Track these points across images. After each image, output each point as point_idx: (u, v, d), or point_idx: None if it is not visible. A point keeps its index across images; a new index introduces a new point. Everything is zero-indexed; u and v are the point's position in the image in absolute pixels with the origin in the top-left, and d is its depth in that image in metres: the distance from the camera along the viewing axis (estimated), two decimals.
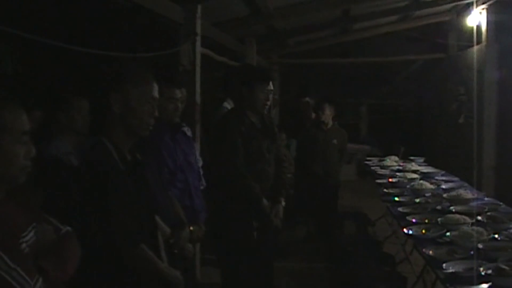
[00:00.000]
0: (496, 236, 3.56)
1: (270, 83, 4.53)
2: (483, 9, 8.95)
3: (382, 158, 7.91)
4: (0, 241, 1.75)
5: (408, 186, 5.48)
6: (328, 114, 7.41)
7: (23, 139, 1.91)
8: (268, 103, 4.53)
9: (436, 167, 7.13)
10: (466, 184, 5.76)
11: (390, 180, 6.06)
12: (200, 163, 4.40)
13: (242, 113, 4.40)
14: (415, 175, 6.19)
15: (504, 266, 2.95)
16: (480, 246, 3.32)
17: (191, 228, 3.44)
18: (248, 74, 4.58)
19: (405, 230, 3.98)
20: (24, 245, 1.85)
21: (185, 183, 3.76)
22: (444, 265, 3.09)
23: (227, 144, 4.27)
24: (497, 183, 8.82)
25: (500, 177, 8.93)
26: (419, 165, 7.07)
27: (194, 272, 5.30)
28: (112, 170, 2.45)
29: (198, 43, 5.71)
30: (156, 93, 2.63)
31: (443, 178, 6.13)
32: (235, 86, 4.51)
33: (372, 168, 7.31)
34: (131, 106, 2.54)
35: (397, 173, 6.46)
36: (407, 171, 6.51)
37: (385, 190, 5.55)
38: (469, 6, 9.39)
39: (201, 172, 4.33)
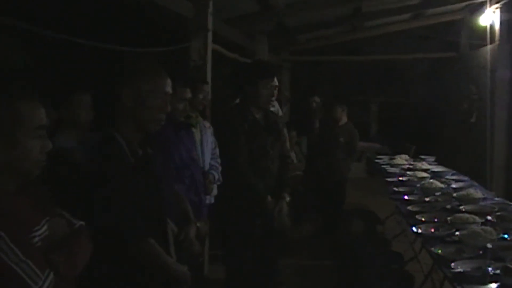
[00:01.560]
0: (505, 236, 3.54)
1: (275, 79, 4.51)
2: (496, 8, 8.90)
3: (392, 157, 7.87)
4: (12, 233, 1.76)
5: (418, 185, 5.44)
6: (339, 112, 7.41)
7: (39, 133, 1.92)
8: (273, 99, 4.52)
9: (446, 166, 7.09)
10: (476, 184, 5.73)
11: (399, 178, 6.04)
12: (219, 160, 4.42)
13: (246, 110, 4.40)
14: (425, 174, 6.15)
15: None
16: (488, 245, 3.30)
17: (198, 224, 3.45)
18: (252, 70, 4.58)
19: (413, 228, 3.96)
20: (36, 238, 1.86)
21: (191, 179, 3.78)
22: (452, 264, 3.08)
23: (230, 141, 4.28)
24: (507, 183, 8.77)
25: (510, 176, 8.89)
26: (430, 164, 7.04)
27: (202, 268, 5.31)
28: (123, 164, 2.46)
29: (210, 39, 5.73)
30: (169, 89, 2.63)
31: (453, 177, 6.09)
32: (240, 82, 4.51)
33: (382, 166, 7.27)
34: (143, 100, 2.54)
35: (407, 172, 6.43)
36: (417, 170, 6.48)
37: (394, 188, 5.52)
38: (482, 5, 9.34)
39: (220, 169, 4.35)
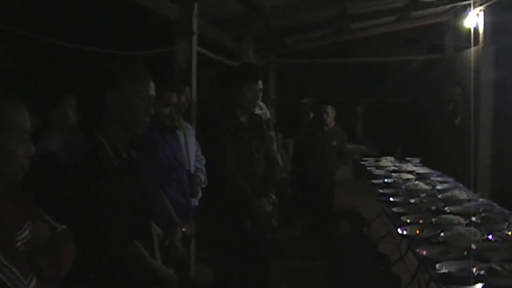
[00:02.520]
0: (490, 236, 3.57)
1: (260, 82, 4.51)
2: (480, 10, 8.97)
3: (378, 159, 7.91)
4: None
5: (403, 187, 5.49)
6: (330, 115, 7.44)
7: (24, 137, 1.92)
8: (258, 102, 4.53)
9: (432, 167, 7.13)
10: (461, 185, 5.78)
11: (385, 180, 6.07)
12: (204, 162, 4.42)
13: (231, 113, 4.40)
14: (410, 176, 6.20)
15: (497, 267, 2.96)
16: (473, 246, 3.32)
17: (183, 229, 3.43)
18: (236, 73, 4.58)
19: (399, 230, 3.98)
20: (19, 243, 1.85)
21: (178, 182, 3.77)
22: (437, 265, 3.09)
23: (215, 144, 4.29)
24: (493, 183, 8.83)
25: (496, 177, 8.95)
26: (415, 166, 7.08)
27: (188, 269, 5.30)
28: (107, 166, 2.45)
29: (195, 42, 5.71)
30: (152, 91, 2.62)
31: (439, 178, 6.14)
32: (224, 86, 4.51)
33: (368, 168, 7.31)
34: (127, 103, 2.53)
35: (393, 174, 6.47)
36: (403, 172, 6.53)
37: (380, 190, 5.55)
38: (466, 8, 9.39)
39: (204, 171, 4.35)
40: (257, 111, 4.81)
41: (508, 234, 3.67)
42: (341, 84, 13.83)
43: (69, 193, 2.42)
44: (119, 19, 5.97)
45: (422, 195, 5.08)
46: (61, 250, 2.03)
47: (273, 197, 4.52)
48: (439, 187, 5.46)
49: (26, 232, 1.91)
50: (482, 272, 2.91)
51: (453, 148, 10.26)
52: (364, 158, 8.36)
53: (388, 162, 7.55)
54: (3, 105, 1.88)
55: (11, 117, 1.89)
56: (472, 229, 3.63)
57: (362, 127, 15.28)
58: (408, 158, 7.69)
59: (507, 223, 3.93)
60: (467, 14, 9.37)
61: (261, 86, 4.48)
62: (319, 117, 7.53)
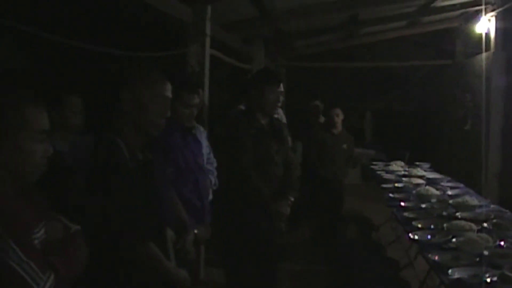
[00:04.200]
0: (502, 243, 3.56)
1: (281, 85, 4.55)
2: (492, 16, 8.95)
3: (387, 163, 7.90)
4: (14, 234, 1.76)
5: (413, 192, 5.47)
6: (340, 118, 7.45)
7: (42, 137, 1.94)
8: (279, 104, 4.54)
9: (441, 172, 7.13)
10: (471, 191, 5.76)
11: (395, 185, 6.06)
12: (215, 164, 4.43)
13: (252, 115, 4.41)
14: (420, 181, 6.19)
15: (509, 274, 2.95)
16: (485, 253, 3.32)
17: (196, 231, 3.44)
18: (258, 76, 4.60)
19: (410, 235, 3.98)
20: (36, 241, 1.87)
21: (195, 183, 3.78)
22: (449, 271, 3.09)
23: (236, 146, 4.28)
24: (501, 190, 8.81)
25: (504, 184, 8.92)
26: (425, 171, 7.07)
27: (198, 271, 5.32)
28: (122, 167, 2.45)
29: (207, 44, 5.74)
30: (168, 93, 2.63)
31: (449, 184, 6.12)
32: (246, 88, 4.53)
33: (378, 172, 7.30)
34: (142, 105, 2.55)
35: (403, 178, 6.46)
36: (413, 177, 6.51)
37: (390, 194, 5.54)
38: (477, 13, 9.38)
39: (215, 173, 4.36)
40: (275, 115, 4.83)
41: None
42: (350, 88, 13.83)
43: (83, 193, 2.43)
44: (134, 21, 5.98)
45: (433, 200, 5.06)
46: (75, 250, 2.04)
47: (292, 200, 4.53)
48: (449, 192, 5.45)
49: (42, 231, 1.93)
50: (495, 278, 2.91)
51: (462, 154, 10.24)
52: (373, 163, 8.36)
53: (398, 166, 7.54)
54: (23, 105, 1.91)
55: (30, 117, 1.91)
56: (484, 235, 3.62)
57: (371, 132, 15.26)
58: (417, 163, 7.67)
59: None
60: (478, 20, 9.36)
61: (282, 89, 4.51)
62: (330, 120, 7.53)
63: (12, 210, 1.84)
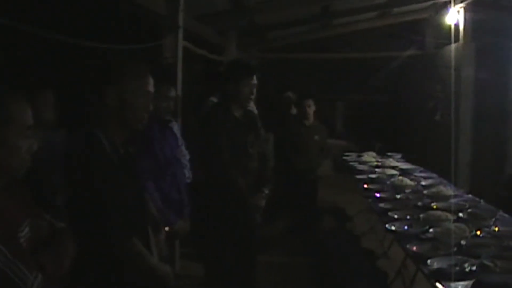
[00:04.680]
0: (478, 233, 3.61)
1: (254, 77, 4.51)
2: (461, 7, 9.05)
3: (360, 154, 7.94)
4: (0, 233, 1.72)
5: (388, 182, 5.51)
6: (312, 109, 7.44)
7: (27, 133, 1.91)
8: (253, 97, 4.51)
9: (412, 163, 7.19)
10: (445, 181, 5.81)
11: (369, 176, 6.09)
12: (188, 157, 4.40)
13: (227, 108, 4.38)
14: (394, 171, 6.23)
15: (488, 263, 2.99)
16: (463, 242, 3.36)
17: (166, 229, 3.40)
18: (232, 68, 4.57)
19: (387, 226, 4.00)
20: (22, 239, 1.83)
21: (173, 177, 3.77)
22: (428, 261, 3.12)
23: (212, 139, 4.26)
24: (472, 180, 8.93)
25: (475, 174, 9.06)
26: (397, 161, 7.13)
27: (173, 265, 5.29)
28: (105, 162, 2.42)
29: (181, 36, 5.69)
30: (151, 88, 2.60)
31: (422, 174, 6.18)
32: (220, 80, 4.50)
33: (351, 163, 7.33)
34: (125, 99, 2.51)
35: (376, 169, 6.50)
36: (386, 167, 6.56)
37: (365, 185, 5.57)
38: (447, 4, 9.48)
39: (189, 166, 4.33)
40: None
41: (495, 230, 3.72)
42: (322, 79, 13.84)
43: (62, 189, 2.39)
44: (106, 13, 5.89)
45: (407, 190, 5.09)
46: (61, 248, 2.01)
47: (266, 192, 4.53)
48: (423, 183, 5.49)
49: (27, 229, 1.90)
50: (474, 268, 2.95)
51: (433, 144, 10.35)
52: (346, 153, 8.39)
53: (370, 157, 7.58)
54: (7, 101, 1.88)
55: (15, 112, 1.88)
56: (461, 225, 3.66)
57: (342, 123, 15.32)
58: (389, 153, 7.73)
59: (493, 219, 3.97)
60: (448, 11, 9.46)
61: (256, 82, 4.48)
62: (302, 111, 7.51)
63: None
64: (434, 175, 6.21)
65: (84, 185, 2.37)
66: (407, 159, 7.59)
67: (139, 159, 2.82)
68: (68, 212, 2.27)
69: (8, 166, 1.88)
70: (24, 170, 1.93)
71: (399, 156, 7.62)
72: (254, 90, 4.48)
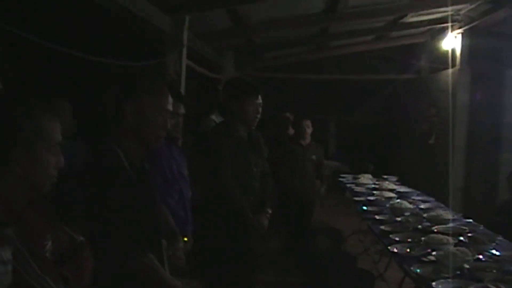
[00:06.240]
0: (481, 256, 3.64)
1: (259, 96, 4.52)
2: (458, 33, 9.18)
3: (356, 176, 7.96)
4: (29, 248, 1.73)
5: (387, 205, 5.53)
6: (310, 130, 7.47)
7: (56, 149, 1.92)
8: (258, 116, 4.51)
9: (406, 186, 7.21)
10: (442, 205, 5.85)
11: (368, 198, 6.11)
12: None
13: (232, 127, 4.38)
14: (392, 194, 6.26)
15: (492, 286, 3.02)
16: (466, 266, 3.39)
17: (185, 239, 3.43)
18: (238, 87, 4.56)
19: (389, 248, 4.02)
20: (47, 253, 1.84)
21: (180, 194, 3.77)
22: (433, 284, 3.14)
23: (216, 157, 4.24)
24: (465, 204, 8.99)
25: (468, 198, 9.12)
26: (394, 184, 7.15)
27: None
28: (123, 177, 2.44)
29: (184, 54, 5.73)
30: (170, 106, 2.62)
31: (419, 198, 6.21)
32: (224, 99, 4.49)
33: (348, 185, 7.36)
34: (145, 116, 2.53)
35: (374, 191, 6.52)
36: (384, 190, 6.58)
37: (364, 207, 5.59)
38: (444, 30, 9.61)
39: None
40: None
41: (496, 255, 3.75)
42: (316, 100, 13.91)
43: (82, 203, 2.40)
44: (114, 28, 5.91)
45: (407, 213, 5.12)
46: (82, 261, 2.02)
47: (270, 212, 4.53)
48: (422, 206, 5.53)
49: (49, 243, 1.90)
50: None
51: (426, 168, 10.41)
52: (342, 175, 8.41)
53: (367, 179, 7.61)
54: (40, 117, 1.89)
55: (46, 128, 1.90)
56: (463, 249, 3.68)
57: (335, 144, 15.38)
58: (385, 176, 7.76)
59: (493, 244, 4.01)
60: (445, 36, 9.59)
61: (261, 101, 4.48)
62: (301, 131, 7.53)
63: (26, 222, 1.81)
64: (431, 198, 6.25)
65: (103, 201, 2.37)
66: (401, 182, 7.62)
67: (154, 176, 2.83)
68: (86, 226, 2.27)
69: (36, 181, 1.90)
70: (50, 185, 1.94)
71: (394, 179, 7.65)
72: (260, 109, 4.48)
